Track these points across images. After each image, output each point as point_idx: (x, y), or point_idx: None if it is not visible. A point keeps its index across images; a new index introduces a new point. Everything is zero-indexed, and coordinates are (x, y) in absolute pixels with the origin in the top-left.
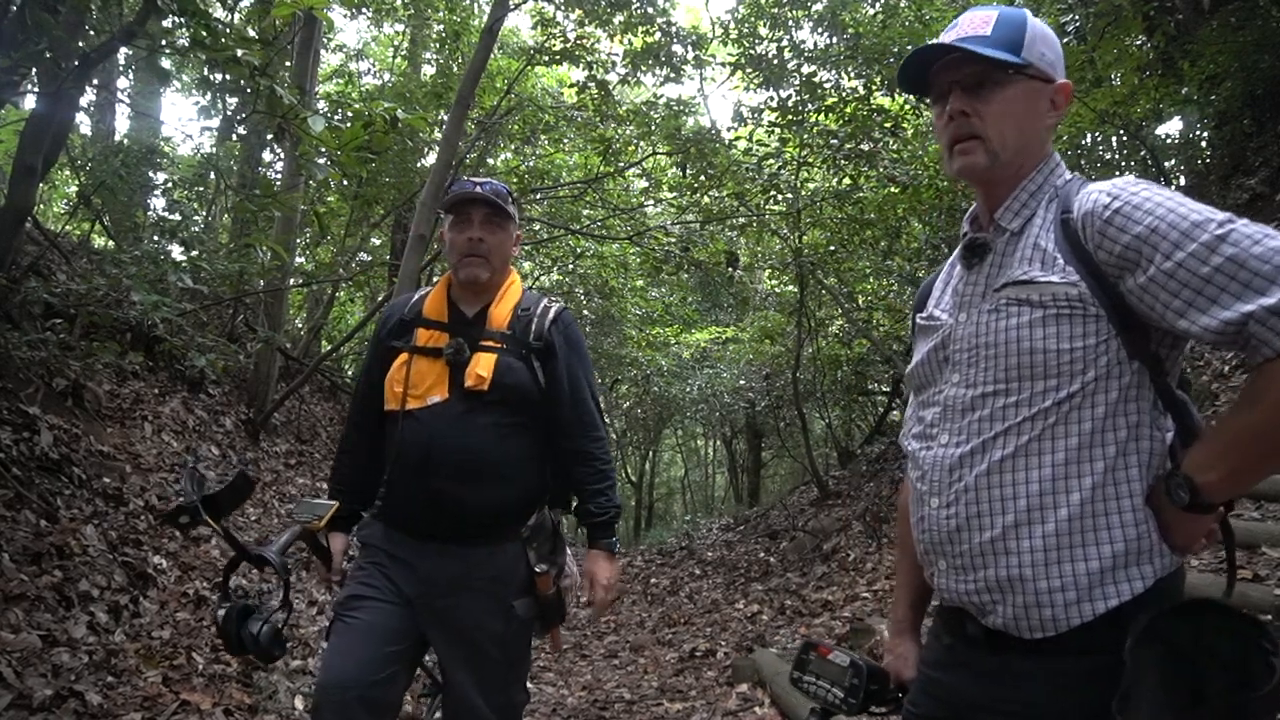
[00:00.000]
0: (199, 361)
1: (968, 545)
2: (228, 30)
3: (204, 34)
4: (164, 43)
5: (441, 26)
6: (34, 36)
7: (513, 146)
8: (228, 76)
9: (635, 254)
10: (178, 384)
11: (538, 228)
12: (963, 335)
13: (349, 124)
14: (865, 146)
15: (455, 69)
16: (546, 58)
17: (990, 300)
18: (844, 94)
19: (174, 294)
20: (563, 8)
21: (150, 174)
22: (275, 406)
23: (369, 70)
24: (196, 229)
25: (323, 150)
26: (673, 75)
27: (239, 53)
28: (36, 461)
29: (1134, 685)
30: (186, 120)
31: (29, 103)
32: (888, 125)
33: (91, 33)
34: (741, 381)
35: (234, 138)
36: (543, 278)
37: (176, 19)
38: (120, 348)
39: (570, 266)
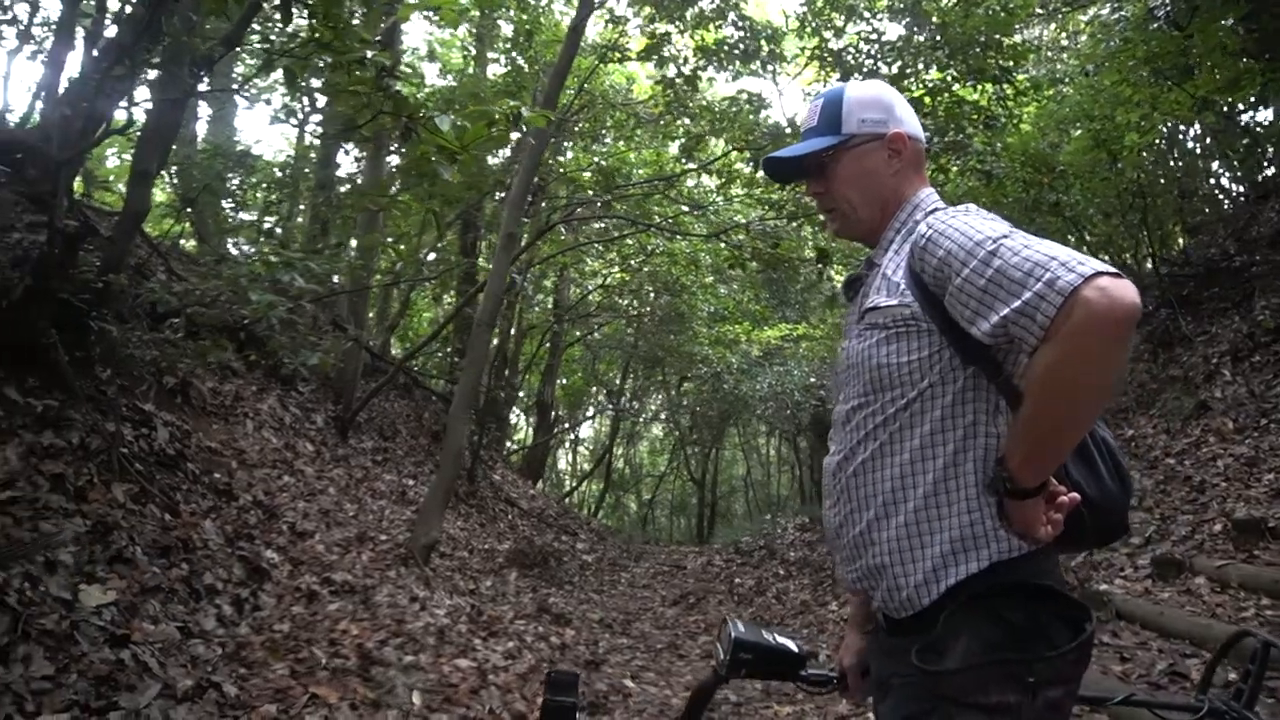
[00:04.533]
0: (311, 360)
1: (847, 539)
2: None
3: (331, 35)
4: (291, 46)
5: (511, 27)
6: (146, 41)
7: (581, 144)
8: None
9: (706, 250)
10: (272, 381)
11: (603, 225)
12: (842, 359)
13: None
14: (952, 138)
15: (527, 68)
16: (619, 55)
17: (856, 327)
18: (927, 85)
19: (293, 295)
20: (633, 4)
21: (242, 177)
22: (363, 404)
23: (436, 71)
24: (281, 229)
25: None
26: (746, 70)
27: (368, 54)
28: (155, 457)
29: (941, 640)
30: (268, 124)
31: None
32: (975, 117)
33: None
34: (812, 379)
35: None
36: (611, 274)
37: (308, 21)
38: (231, 347)
39: (639, 263)
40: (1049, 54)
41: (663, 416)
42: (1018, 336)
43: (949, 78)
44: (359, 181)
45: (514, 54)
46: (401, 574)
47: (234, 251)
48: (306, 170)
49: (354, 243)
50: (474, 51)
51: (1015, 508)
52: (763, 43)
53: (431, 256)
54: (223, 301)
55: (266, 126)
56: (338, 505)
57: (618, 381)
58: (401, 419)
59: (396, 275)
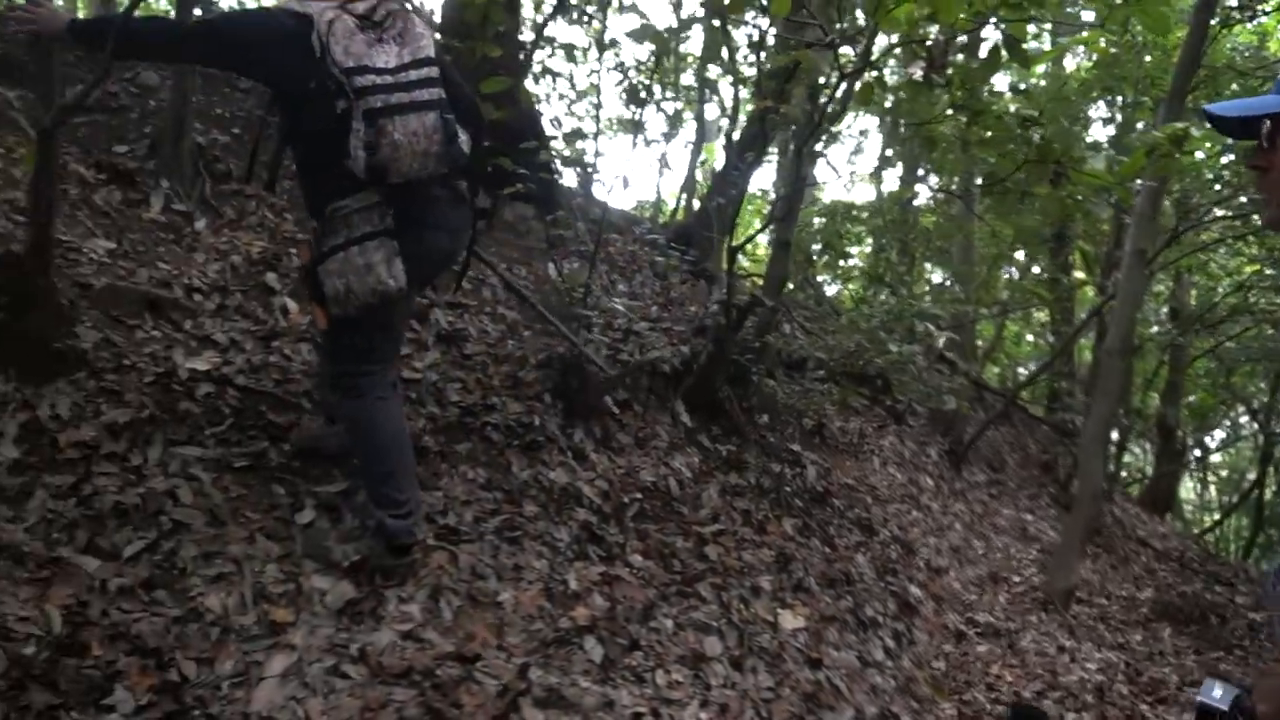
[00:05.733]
0: (949, 404)
1: None
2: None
3: (964, 97)
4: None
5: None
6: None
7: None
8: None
9: None
10: (887, 417)
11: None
12: None
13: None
14: None
15: (1124, 56)
16: (1250, 14)
17: None
18: None
19: (922, 341)
20: None
21: (845, 228)
22: (975, 437)
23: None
24: (882, 272)
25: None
26: None
27: (1011, 108)
28: (809, 493)
29: None
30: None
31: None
32: None
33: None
34: None
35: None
36: (1247, 271)
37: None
38: (867, 393)
39: None
40: None
41: None
42: None
43: None
44: (940, 217)
45: (1101, 42)
46: (1042, 619)
47: (828, 293)
48: (882, 208)
49: (935, 276)
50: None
51: None
52: None
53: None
54: (864, 353)
55: (840, 174)
56: (965, 542)
57: (1265, 397)
58: (1007, 448)
59: (1004, 305)
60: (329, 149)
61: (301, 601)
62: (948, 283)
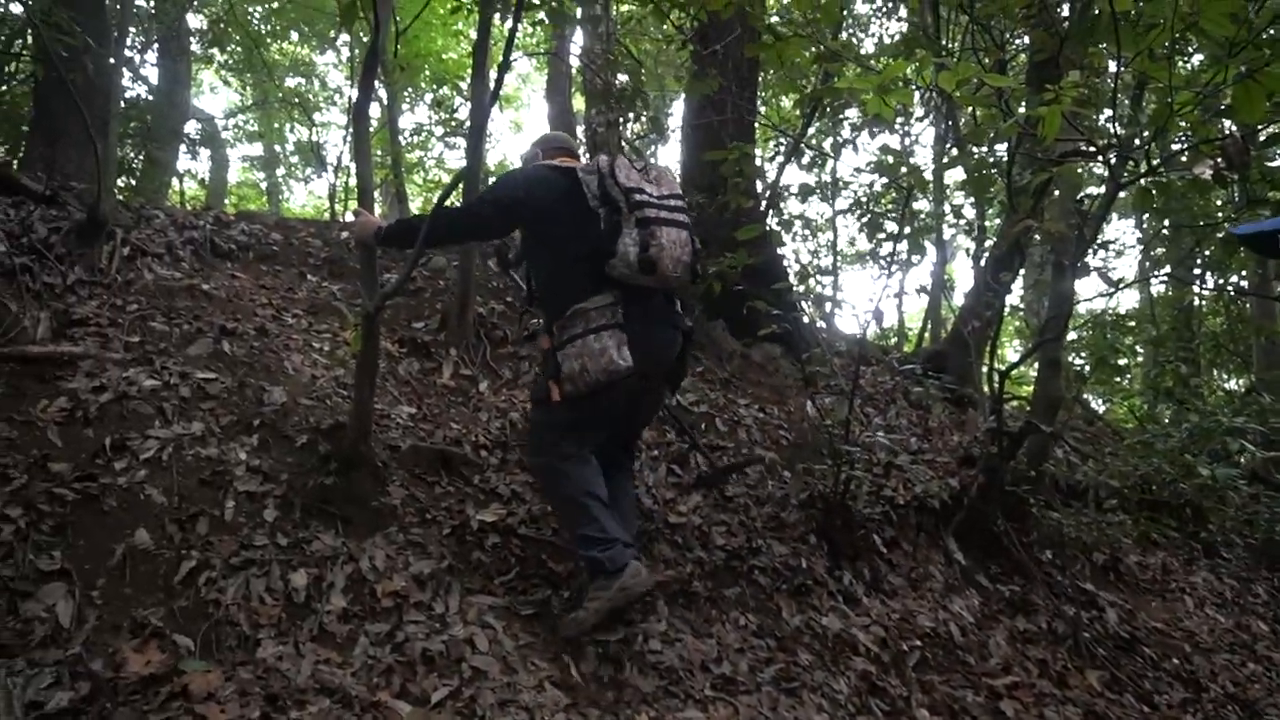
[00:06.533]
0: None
1: None
2: None
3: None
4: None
5: None
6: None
7: None
8: None
9: None
10: (1194, 550)
11: None
12: None
13: None
14: None
15: None
16: None
17: None
18: None
19: (1234, 460)
20: None
21: (1121, 337)
22: None
23: None
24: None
25: None
26: None
27: None
28: (1112, 640)
29: None
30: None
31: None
32: None
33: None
34: None
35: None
36: None
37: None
38: (1174, 524)
39: None
40: None
41: None
42: None
43: None
44: (1228, 318)
45: None
46: None
47: (1099, 410)
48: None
49: (1229, 384)
50: None
51: None
52: None
53: None
54: (1163, 477)
55: (1112, 284)
56: None
57: None
58: None
59: None
60: (584, 264)
61: None
62: (1247, 389)
